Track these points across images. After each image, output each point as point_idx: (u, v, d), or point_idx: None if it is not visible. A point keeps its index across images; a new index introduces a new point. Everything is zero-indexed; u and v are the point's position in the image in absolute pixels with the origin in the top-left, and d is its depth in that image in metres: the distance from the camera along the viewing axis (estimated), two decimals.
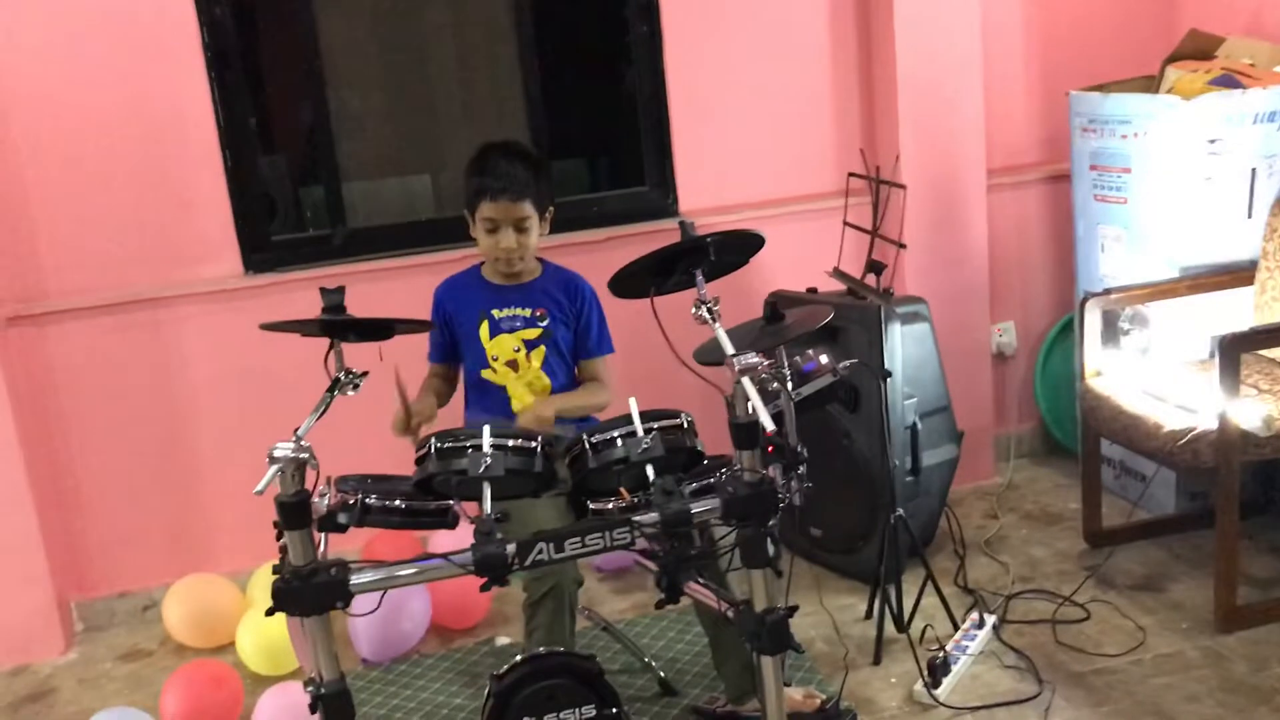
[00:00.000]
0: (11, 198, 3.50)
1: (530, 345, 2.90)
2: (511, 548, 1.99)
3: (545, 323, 2.89)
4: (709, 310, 2.13)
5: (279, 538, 2.64)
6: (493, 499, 2.11)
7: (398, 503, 2.34)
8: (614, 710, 2.26)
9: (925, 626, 3.13)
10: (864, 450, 3.39)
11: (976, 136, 3.93)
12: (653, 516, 2.05)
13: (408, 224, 3.91)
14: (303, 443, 1.93)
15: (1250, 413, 3.00)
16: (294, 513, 1.92)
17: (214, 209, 3.65)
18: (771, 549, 2.06)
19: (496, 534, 2.01)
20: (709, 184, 4.00)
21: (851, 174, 3.16)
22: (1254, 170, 3.45)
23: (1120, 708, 2.80)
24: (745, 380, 2.01)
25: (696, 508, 2.05)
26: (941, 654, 2.97)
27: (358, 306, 3.69)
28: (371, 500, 2.32)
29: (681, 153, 3.96)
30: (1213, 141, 3.39)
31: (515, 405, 2.87)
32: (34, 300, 3.56)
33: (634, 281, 2.20)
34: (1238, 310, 3.47)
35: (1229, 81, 3.48)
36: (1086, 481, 3.59)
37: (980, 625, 3.17)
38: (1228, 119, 3.38)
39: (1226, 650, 2.99)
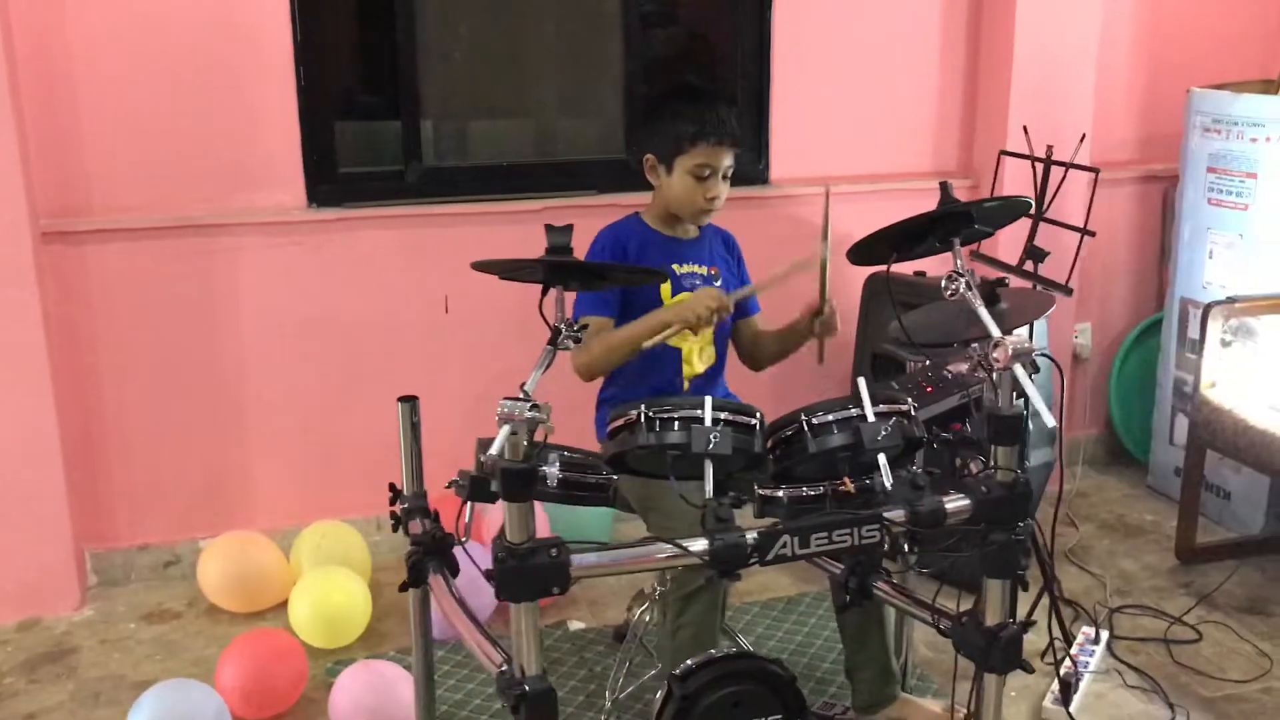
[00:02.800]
0: (58, 99, 3.11)
1: None
2: (752, 538, 1.75)
3: (719, 282, 2.64)
4: (967, 284, 1.89)
5: (393, 501, 2.39)
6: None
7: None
8: None
9: (1050, 641, 2.95)
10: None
11: (1084, 129, 3.74)
12: (898, 513, 1.82)
13: (490, 167, 3.58)
14: (536, 401, 1.64)
15: None
16: (521, 482, 1.65)
17: (281, 134, 3.30)
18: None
19: (734, 520, 1.76)
20: (805, 153, 3.76)
21: (1004, 152, 2.96)
22: None
23: None
24: (1018, 367, 1.79)
25: (950, 506, 1.83)
26: (1073, 670, 2.80)
27: (429, 252, 3.44)
28: None
29: (780, 115, 3.72)
30: None
31: (686, 370, 2.60)
32: (74, 216, 3.18)
33: (878, 248, 1.96)
34: None
35: None
36: (1186, 495, 3.46)
37: (1095, 640, 3.02)
38: None
39: None
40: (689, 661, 2.02)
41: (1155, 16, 3.99)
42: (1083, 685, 2.84)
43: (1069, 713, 2.70)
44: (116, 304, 3.25)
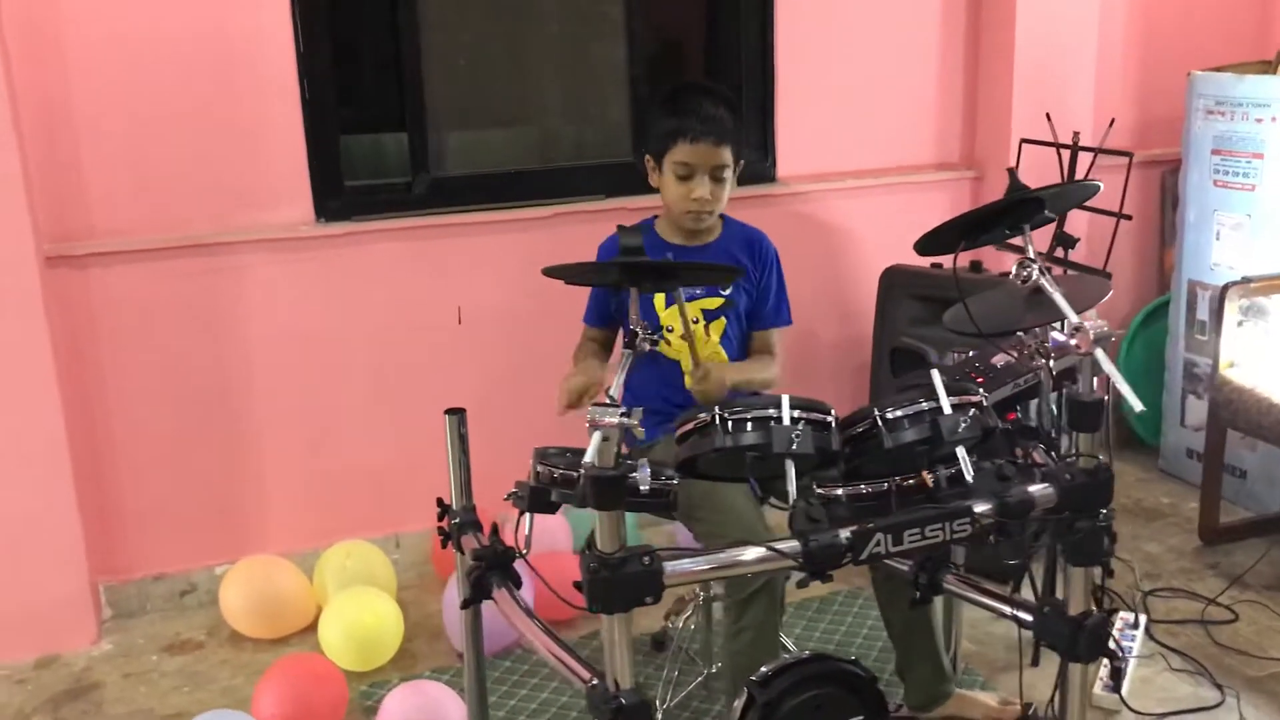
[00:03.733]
0: (56, 120, 3.02)
1: (710, 316, 2.58)
2: (845, 538, 1.71)
3: (728, 291, 2.58)
4: (1040, 270, 1.87)
5: (441, 516, 2.34)
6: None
7: None
8: None
9: None
10: None
11: (1086, 116, 3.76)
12: (985, 506, 1.79)
13: (496, 175, 3.53)
14: (623, 407, 1.60)
15: None
16: (612, 489, 1.60)
17: (286, 149, 3.22)
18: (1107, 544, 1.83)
19: (825, 521, 1.72)
20: (811, 149, 3.74)
21: (1026, 140, 2.95)
22: None
23: None
24: (1099, 352, 1.77)
25: (1037, 494, 1.81)
26: (1120, 654, 2.78)
27: (439, 263, 3.38)
28: None
29: (785, 113, 3.70)
30: None
31: (688, 381, 2.56)
32: (77, 240, 3.09)
33: (947, 238, 1.93)
34: None
35: None
36: (1208, 476, 3.46)
37: (1135, 625, 3.01)
38: None
39: None
40: (765, 668, 1.98)
41: (1147, 3, 4.01)
42: (1129, 670, 2.83)
43: (1122, 698, 2.69)
44: (123, 327, 3.16)
